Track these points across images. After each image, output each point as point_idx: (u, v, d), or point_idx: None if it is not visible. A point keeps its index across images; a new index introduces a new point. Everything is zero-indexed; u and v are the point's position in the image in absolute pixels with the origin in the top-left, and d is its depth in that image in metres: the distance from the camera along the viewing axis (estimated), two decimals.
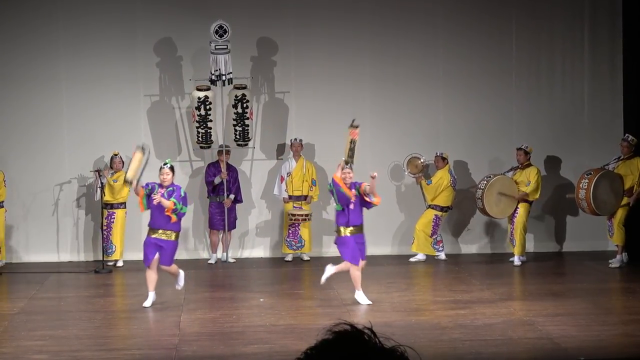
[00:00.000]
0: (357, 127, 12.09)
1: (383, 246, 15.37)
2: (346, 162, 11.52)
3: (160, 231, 11.02)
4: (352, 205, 11.06)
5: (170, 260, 11.22)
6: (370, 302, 11.14)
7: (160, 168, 11.10)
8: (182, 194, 11.07)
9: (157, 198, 10.76)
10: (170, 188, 11.00)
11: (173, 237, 11.10)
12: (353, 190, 11.03)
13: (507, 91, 15.58)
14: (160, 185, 11.00)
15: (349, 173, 11.12)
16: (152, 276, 11.19)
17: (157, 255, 11.07)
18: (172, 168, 11.14)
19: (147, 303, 11.17)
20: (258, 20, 15.20)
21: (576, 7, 15.59)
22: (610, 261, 14.04)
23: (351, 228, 11.14)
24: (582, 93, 15.67)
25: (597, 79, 15.64)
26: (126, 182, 11.17)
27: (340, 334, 2.11)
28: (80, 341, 9.60)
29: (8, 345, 9.50)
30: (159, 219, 10.97)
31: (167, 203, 10.79)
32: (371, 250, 15.35)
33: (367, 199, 11.04)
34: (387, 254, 15.24)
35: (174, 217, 10.95)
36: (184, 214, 11.20)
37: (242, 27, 14.81)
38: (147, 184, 11.02)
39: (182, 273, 11.44)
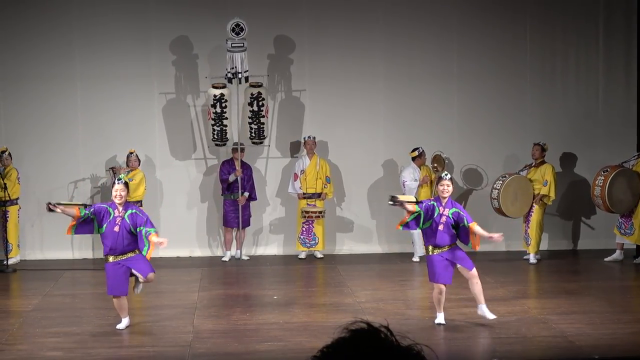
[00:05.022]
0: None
1: (395, 244, 15.36)
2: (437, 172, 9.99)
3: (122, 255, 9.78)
4: (442, 226, 9.70)
5: (150, 267, 9.88)
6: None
7: (113, 184, 9.94)
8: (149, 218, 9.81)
9: (158, 241, 9.48)
10: (131, 211, 9.70)
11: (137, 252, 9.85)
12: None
13: (522, 89, 15.54)
14: (114, 206, 9.68)
15: (448, 186, 9.76)
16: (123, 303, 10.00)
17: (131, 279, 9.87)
18: (126, 184, 9.87)
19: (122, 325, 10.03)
20: (274, 19, 15.20)
21: (591, 5, 15.54)
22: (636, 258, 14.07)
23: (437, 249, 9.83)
24: (597, 90, 15.62)
25: (612, 77, 15.59)
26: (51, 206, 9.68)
27: (356, 332, 2.11)
28: (95, 338, 9.63)
29: (23, 342, 9.54)
30: (120, 244, 9.71)
31: (154, 240, 9.52)
32: (385, 248, 15.43)
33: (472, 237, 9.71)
34: (400, 252, 15.21)
35: (154, 245, 9.59)
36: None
37: (259, 26, 14.81)
38: (89, 209, 9.67)
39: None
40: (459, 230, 9.76)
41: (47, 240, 15.11)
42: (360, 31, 15.29)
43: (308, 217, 14.71)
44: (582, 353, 8.80)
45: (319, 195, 14.84)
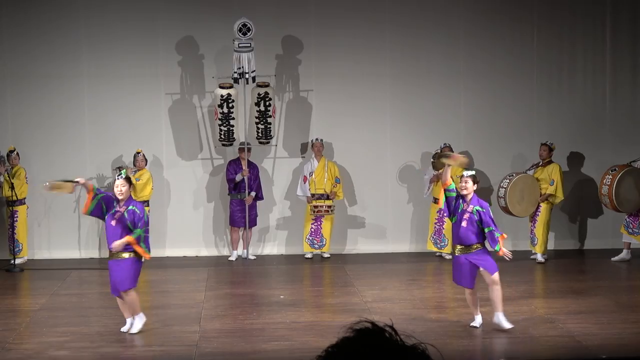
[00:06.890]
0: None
1: (403, 244, 15.35)
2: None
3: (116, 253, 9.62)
4: (465, 222, 9.57)
5: (129, 282, 9.64)
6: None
7: (115, 180, 9.88)
8: (146, 218, 9.67)
9: (115, 245, 9.44)
10: (132, 207, 9.55)
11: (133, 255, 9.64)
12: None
13: (529, 88, 15.52)
14: (117, 200, 9.61)
15: (466, 182, 9.61)
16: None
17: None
18: (128, 179, 9.81)
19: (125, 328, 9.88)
20: (281, 19, 15.20)
21: (598, 5, 15.51)
22: None
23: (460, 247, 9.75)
24: (604, 90, 15.59)
25: (619, 77, 15.56)
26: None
27: (361, 331, 2.11)
28: (102, 337, 9.64)
29: (30, 342, 9.56)
30: (116, 239, 9.54)
31: (127, 240, 9.43)
32: (391, 247, 15.41)
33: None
34: (407, 252, 15.20)
35: (140, 249, 9.52)
36: (147, 238, 9.71)
37: (266, 26, 14.81)
38: (102, 192, 9.74)
39: (141, 316, 9.86)
40: (486, 234, 9.62)
41: (54, 239, 15.13)
42: (367, 31, 15.28)
43: (317, 212, 14.66)
44: (589, 353, 8.78)
45: (327, 196, 14.78)
